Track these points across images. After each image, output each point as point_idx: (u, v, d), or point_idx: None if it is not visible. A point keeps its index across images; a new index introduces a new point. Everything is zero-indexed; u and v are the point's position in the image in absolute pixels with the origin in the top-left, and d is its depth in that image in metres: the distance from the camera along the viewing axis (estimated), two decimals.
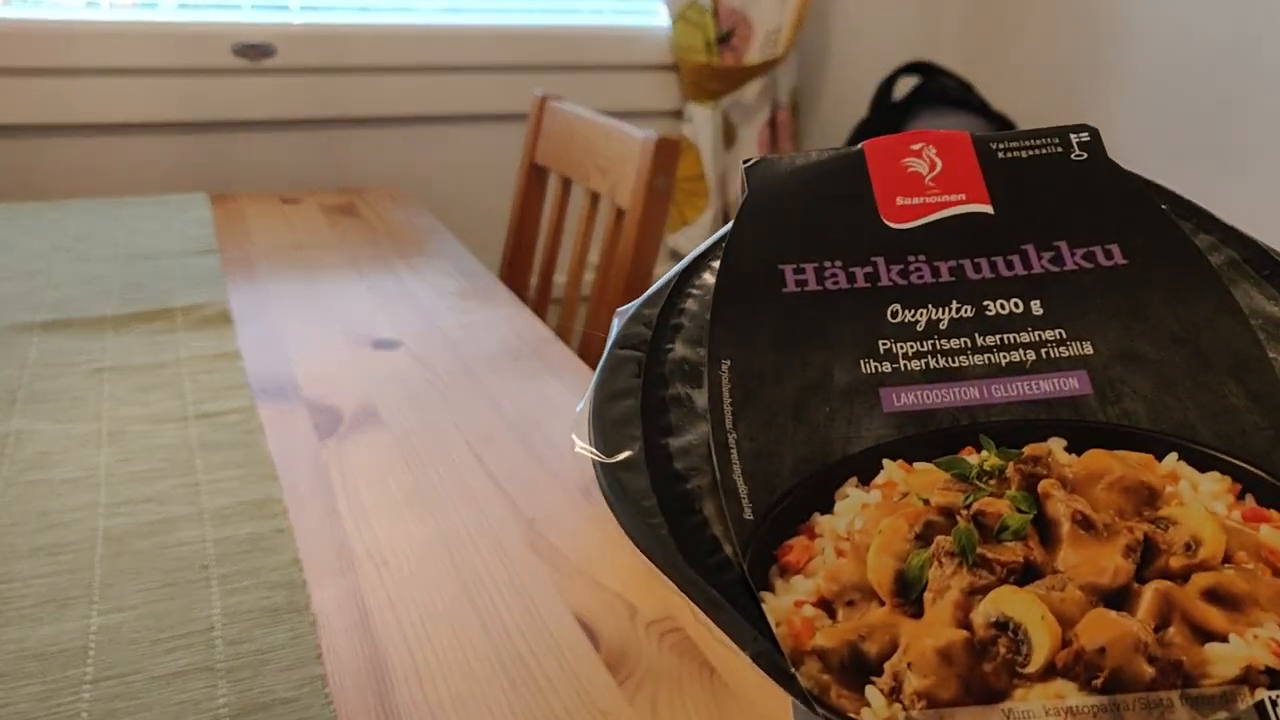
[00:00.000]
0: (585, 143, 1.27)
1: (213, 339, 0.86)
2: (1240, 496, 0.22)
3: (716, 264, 0.26)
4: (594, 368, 0.79)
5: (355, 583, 0.55)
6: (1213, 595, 0.20)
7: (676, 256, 1.93)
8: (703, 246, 0.27)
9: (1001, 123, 1.78)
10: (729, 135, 1.89)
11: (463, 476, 0.66)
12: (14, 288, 0.97)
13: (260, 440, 0.69)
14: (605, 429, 0.24)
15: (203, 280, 1.01)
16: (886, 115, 1.80)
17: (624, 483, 0.23)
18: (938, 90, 1.82)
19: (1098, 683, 0.19)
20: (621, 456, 0.23)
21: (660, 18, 1.85)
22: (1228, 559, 0.21)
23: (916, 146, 0.28)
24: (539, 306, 1.29)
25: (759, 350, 0.24)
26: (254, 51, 1.58)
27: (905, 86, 1.87)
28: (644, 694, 0.47)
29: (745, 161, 0.29)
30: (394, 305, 0.99)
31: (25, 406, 0.73)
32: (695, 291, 0.26)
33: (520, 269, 1.43)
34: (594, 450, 0.24)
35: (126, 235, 1.17)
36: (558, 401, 0.78)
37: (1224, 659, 0.19)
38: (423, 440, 0.71)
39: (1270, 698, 0.18)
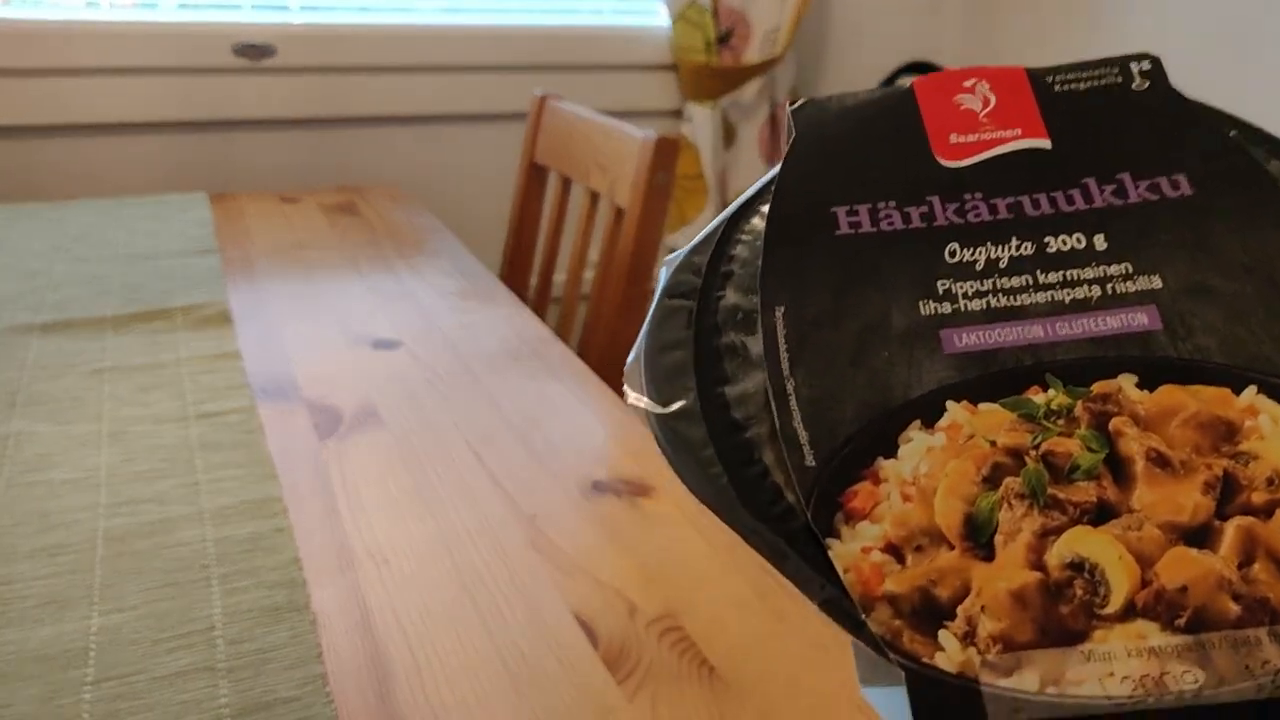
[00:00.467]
0: (585, 142, 1.27)
1: (213, 339, 0.86)
2: None
3: (765, 208, 0.26)
4: (594, 367, 0.79)
5: (355, 582, 0.55)
6: None
7: None
8: (750, 191, 0.27)
9: None
10: (728, 134, 1.89)
11: (462, 476, 0.67)
12: (14, 288, 0.97)
13: (260, 440, 0.69)
14: (658, 379, 0.23)
15: (203, 280, 1.01)
16: None
17: (680, 433, 0.22)
18: None
19: (1181, 622, 0.18)
20: (676, 406, 0.23)
21: (660, 18, 1.85)
22: None
23: (969, 83, 0.27)
24: (539, 306, 1.29)
25: (814, 295, 0.24)
26: (254, 51, 1.58)
27: None
28: (644, 692, 0.47)
29: (791, 103, 0.28)
30: (394, 305, 0.99)
31: (25, 408, 0.73)
32: (745, 237, 0.25)
33: (520, 268, 1.43)
34: (647, 400, 0.23)
35: (126, 235, 1.17)
36: (558, 401, 0.78)
37: None
38: (423, 440, 0.71)
39: None
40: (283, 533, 0.58)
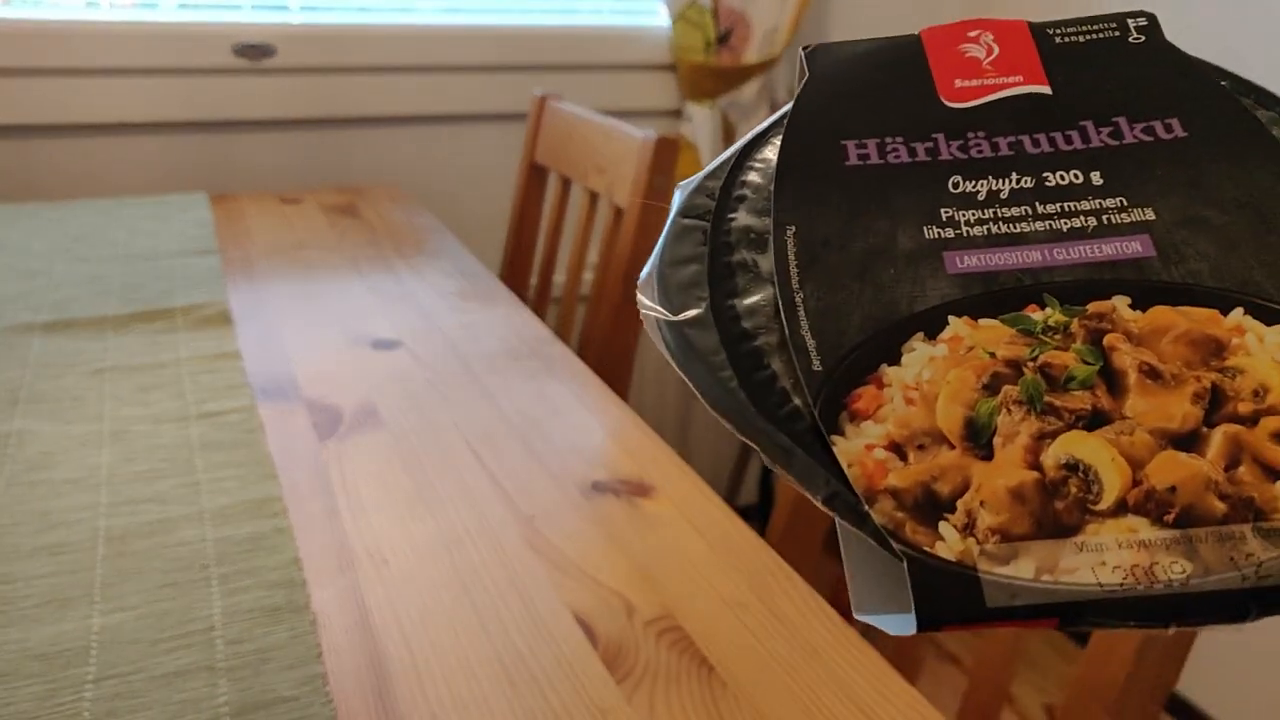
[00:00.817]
0: (584, 142, 1.27)
1: (213, 339, 0.86)
2: None
3: (778, 140, 0.27)
4: (593, 367, 0.79)
5: (355, 582, 0.55)
6: None
7: None
8: (763, 125, 0.28)
9: None
10: (728, 135, 1.89)
11: (462, 476, 0.67)
12: (15, 288, 0.98)
13: (260, 440, 0.69)
14: (671, 291, 0.25)
15: (203, 280, 1.01)
16: None
17: (691, 339, 0.24)
18: None
19: (1169, 518, 0.20)
20: (689, 315, 0.24)
21: (660, 18, 1.85)
22: None
23: (974, 33, 0.29)
24: (539, 306, 1.30)
25: (824, 217, 0.25)
26: (254, 51, 1.58)
27: None
28: (642, 692, 0.48)
29: (804, 48, 0.29)
30: (394, 305, 0.99)
31: (27, 407, 0.73)
32: (758, 165, 0.27)
33: (520, 269, 1.43)
34: (660, 309, 0.24)
35: (126, 235, 1.17)
36: (557, 401, 0.78)
37: None
38: (422, 440, 0.71)
39: None
40: (283, 533, 0.58)
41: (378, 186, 1.53)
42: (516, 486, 0.65)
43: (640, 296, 0.25)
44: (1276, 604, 0.19)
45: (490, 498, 0.64)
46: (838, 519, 0.21)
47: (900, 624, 0.21)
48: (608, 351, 1.14)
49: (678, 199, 0.27)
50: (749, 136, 0.27)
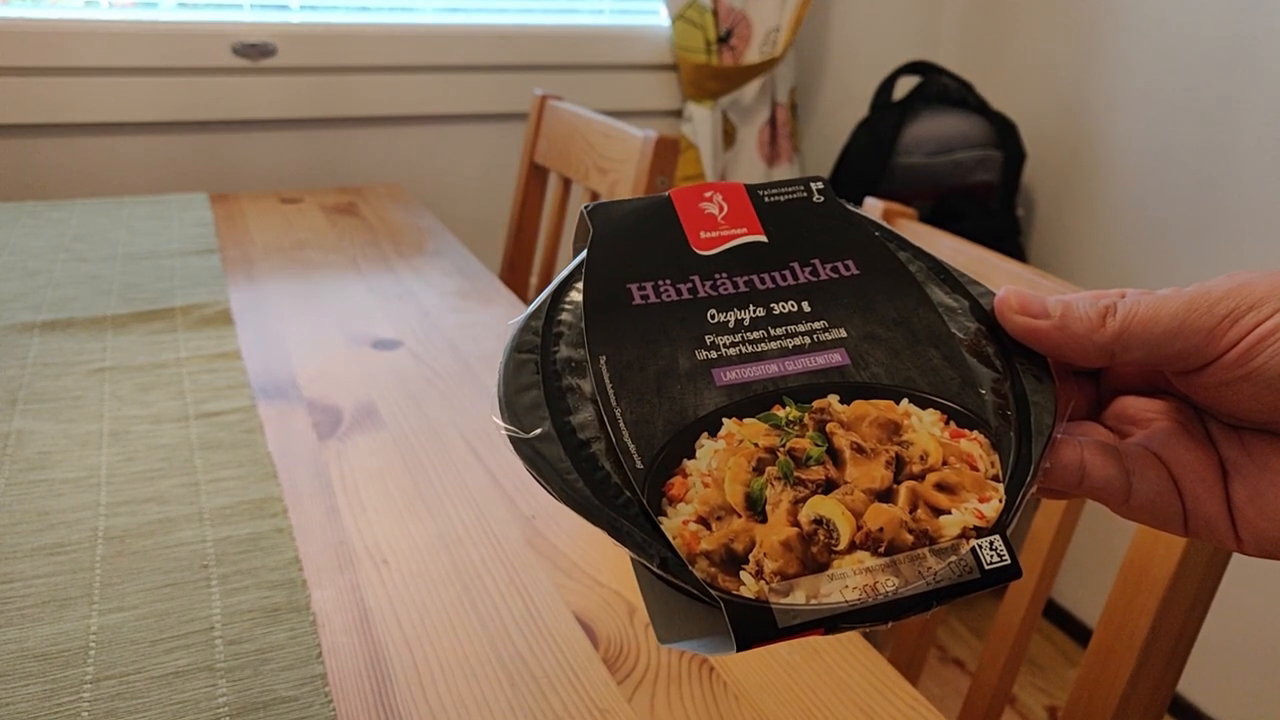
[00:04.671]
0: (585, 142, 1.27)
1: (213, 339, 0.86)
2: (947, 423, 0.32)
3: (579, 284, 0.34)
4: None
5: (355, 582, 0.55)
6: (940, 486, 0.30)
7: None
8: (565, 273, 0.35)
9: (1001, 121, 1.78)
10: (728, 135, 1.89)
11: (462, 475, 0.67)
12: (14, 287, 0.98)
13: (260, 440, 0.69)
14: (519, 413, 0.31)
15: (203, 280, 1.01)
16: (886, 114, 1.80)
17: (542, 451, 0.30)
18: (938, 90, 1.82)
19: (881, 550, 0.29)
20: (537, 432, 0.30)
21: (660, 18, 1.85)
22: (945, 463, 0.31)
23: (708, 195, 0.37)
24: None
25: (624, 348, 0.32)
26: (254, 51, 1.58)
27: (905, 86, 1.87)
28: (642, 692, 0.48)
29: (585, 207, 0.36)
30: (394, 305, 0.99)
31: (26, 406, 0.73)
32: (567, 307, 0.34)
33: (520, 269, 1.43)
34: (514, 429, 0.30)
35: (126, 235, 1.17)
36: None
37: (950, 524, 0.29)
38: (422, 440, 0.71)
39: (978, 544, 0.29)
40: (282, 533, 0.58)
41: (378, 186, 1.52)
42: (516, 486, 0.65)
43: (495, 419, 0.31)
44: (949, 597, 0.28)
45: (490, 497, 0.64)
46: (643, 568, 0.29)
47: (705, 647, 0.28)
48: None
49: (510, 336, 0.33)
50: (556, 283, 0.34)
